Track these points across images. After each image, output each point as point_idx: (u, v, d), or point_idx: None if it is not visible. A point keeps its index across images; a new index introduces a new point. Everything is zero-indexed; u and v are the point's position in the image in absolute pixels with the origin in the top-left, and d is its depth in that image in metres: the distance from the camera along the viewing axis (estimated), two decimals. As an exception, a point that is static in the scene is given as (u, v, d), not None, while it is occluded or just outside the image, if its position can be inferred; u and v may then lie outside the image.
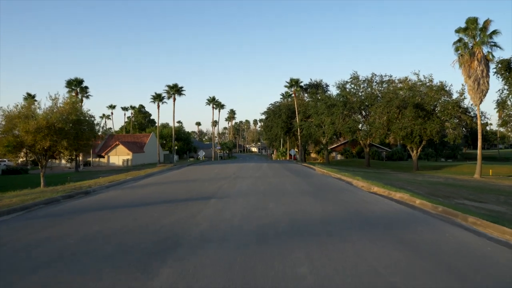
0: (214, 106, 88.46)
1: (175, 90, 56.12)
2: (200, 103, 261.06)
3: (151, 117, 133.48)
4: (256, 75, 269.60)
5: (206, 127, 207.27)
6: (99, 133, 29.42)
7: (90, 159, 75.10)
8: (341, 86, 43.91)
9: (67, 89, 56.83)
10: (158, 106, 70.66)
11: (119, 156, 74.66)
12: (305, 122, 49.03)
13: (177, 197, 10.93)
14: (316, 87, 51.26)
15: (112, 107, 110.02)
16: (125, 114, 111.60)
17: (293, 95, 54.32)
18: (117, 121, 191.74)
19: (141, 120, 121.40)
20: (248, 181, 15.84)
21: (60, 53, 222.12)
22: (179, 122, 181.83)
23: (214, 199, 10.24)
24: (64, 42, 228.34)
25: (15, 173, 53.94)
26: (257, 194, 11.45)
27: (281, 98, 64.14)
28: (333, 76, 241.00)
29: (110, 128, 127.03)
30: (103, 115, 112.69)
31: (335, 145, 78.52)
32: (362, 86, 43.21)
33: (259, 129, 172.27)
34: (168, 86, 56.19)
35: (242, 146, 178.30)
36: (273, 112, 57.90)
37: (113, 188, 14.43)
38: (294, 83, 52.07)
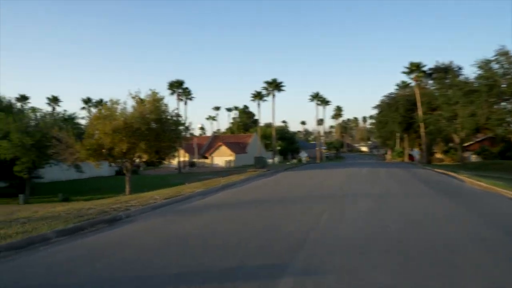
0: (318, 102, 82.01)
1: (274, 86, 51.64)
2: (305, 101, 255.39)
3: (255, 117, 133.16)
4: (364, 66, 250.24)
5: (312, 126, 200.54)
6: (184, 134, 26.04)
7: (195, 159, 76.00)
8: (484, 66, 33.53)
9: (169, 91, 57.25)
10: (259, 105, 67.72)
11: (222, 157, 74.01)
12: (430, 115, 39.48)
13: (224, 250, 5.48)
14: (445, 71, 41.06)
15: (216, 108, 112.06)
16: (229, 115, 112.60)
17: (413, 83, 44.74)
18: (223, 122, 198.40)
19: (245, 120, 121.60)
20: (363, 205, 9.51)
21: (166, 55, 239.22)
22: (283, 122, 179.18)
23: (289, 276, 4.46)
24: (172, 44, 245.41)
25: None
26: (388, 255, 5.16)
27: (396, 89, 54.61)
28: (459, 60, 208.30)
29: (219, 129, 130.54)
30: (209, 116, 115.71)
31: (468, 144, 64.87)
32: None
33: (369, 126, 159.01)
34: (267, 82, 52.05)
35: (350, 145, 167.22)
36: (387, 106, 49.01)
37: (157, 213, 9.73)
38: (414, 68, 42.61)
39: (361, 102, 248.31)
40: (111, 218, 8.98)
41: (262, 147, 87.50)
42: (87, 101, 69.09)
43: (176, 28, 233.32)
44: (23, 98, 62.35)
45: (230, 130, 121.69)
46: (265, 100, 64.74)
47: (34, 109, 27.74)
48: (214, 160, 76.47)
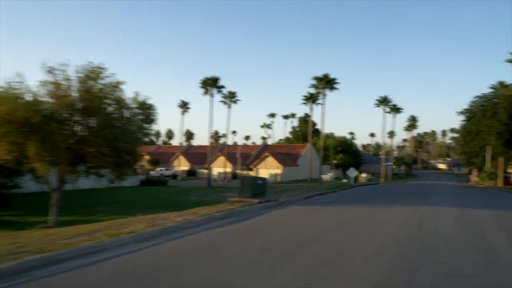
0: (387, 109, 68.71)
1: (325, 83, 40.60)
2: (375, 111, 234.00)
3: (317, 127, 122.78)
4: (445, 70, 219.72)
5: (383, 139, 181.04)
6: (140, 138, 16.81)
7: (239, 171, 67.40)
8: None
9: (202, 90, 49.28)
10: (311, 109, 57.54)
11: (268, 169, 64.77)
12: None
13: None
14: None
15: (272, 115, 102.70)
16: (286, 123, 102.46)
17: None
18: (281, 131, 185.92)
19: (305, 129, 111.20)
20: None
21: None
22: (350, 133, 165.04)
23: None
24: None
25: (152, 184, 48.91)
26: None
27: (490, 90, 40.03)
28: None
29: (281, 139, 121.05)
30: (264, 124, 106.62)
31: None
32: None
33: (449, 141, 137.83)
34: (316, 78, 41.11)
35: (426, 162, 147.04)
36: (481, 110, 35.26)
37: None
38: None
39: (440, 114, 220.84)
40: None
41: (318, 159, 76.59)
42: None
43: (221, 31, 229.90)
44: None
45: (288, 140, 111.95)
46: (320, 103, 53.81)
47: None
48: (259, 172, 67.42)
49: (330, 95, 45.55)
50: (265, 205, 13.06)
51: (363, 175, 58.34)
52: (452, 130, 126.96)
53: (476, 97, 36.89)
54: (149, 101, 17.50)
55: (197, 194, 36.34)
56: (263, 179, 14.54)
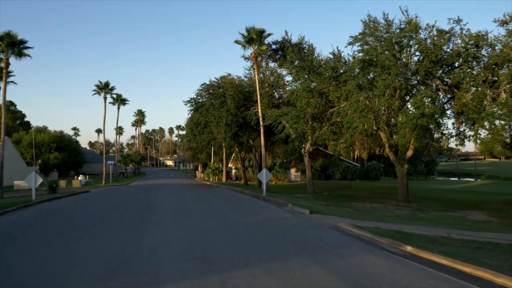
0: (111, 99, 58.98)
1: (7, 45, 26.38)
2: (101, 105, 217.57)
3: (26, 119, 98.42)
4: (174, 68, 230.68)
5: (114, 136, 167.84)
6: None
7: None
8: (384, 29, 19.82)
9: None
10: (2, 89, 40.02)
11: None
12: (286, 113, 23.72)
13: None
14: (298, 49, 26.42)
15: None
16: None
17: (252, 63, 28.10)
18: None
19: (8, 122, 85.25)
20: None
21: None
22: (74, 129, 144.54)
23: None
24: None
25: None
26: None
27: (215, 81, 37.21)
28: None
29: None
30: None
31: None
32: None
33: (176, 138, 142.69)
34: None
35: (155, 158, 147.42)
36: (210, 98, 31.35)
37: None
38: (255, 36, 25.73)
39: (168, 112, 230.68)
40: None
41: (21, 160, 57.65)
42: None
43: None
44: None
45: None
46: (13, 82, 36.69)
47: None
48: None
49: (37, 79, 30.82)
50: None
51: (80, 177, 46.49)
52: (179, 127, 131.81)
53: (203, 84, 32.99)
54: None
55: None
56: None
